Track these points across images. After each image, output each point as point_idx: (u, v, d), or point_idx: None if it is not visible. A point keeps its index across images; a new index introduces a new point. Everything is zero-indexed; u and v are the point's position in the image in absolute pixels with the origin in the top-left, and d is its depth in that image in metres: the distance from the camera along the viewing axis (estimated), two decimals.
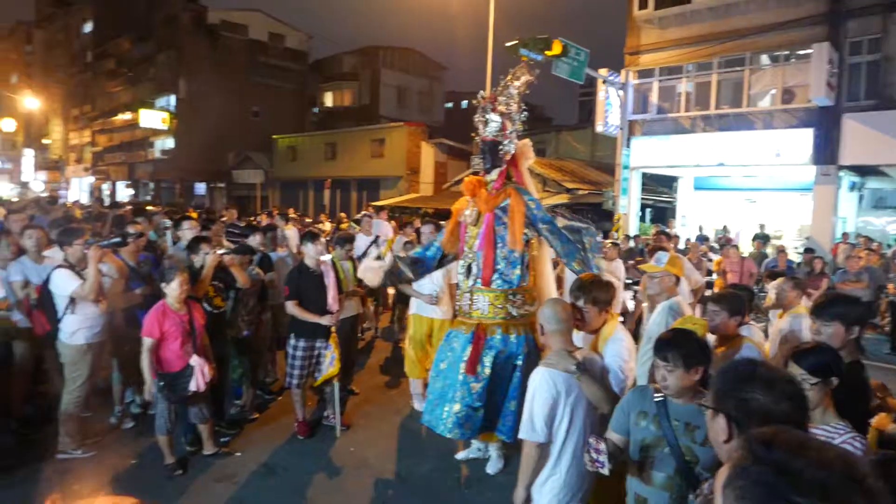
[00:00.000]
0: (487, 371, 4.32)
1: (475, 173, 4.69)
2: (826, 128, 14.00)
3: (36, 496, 4.16)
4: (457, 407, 4.32)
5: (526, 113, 4.64)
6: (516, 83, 4.57)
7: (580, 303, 3.12)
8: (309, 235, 5.48)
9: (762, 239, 13.04)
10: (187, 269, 5.04)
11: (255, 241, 6.25)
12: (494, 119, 4.49)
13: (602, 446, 2.33)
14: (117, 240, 5.12)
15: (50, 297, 4.68)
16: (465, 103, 40.53)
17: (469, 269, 4.56)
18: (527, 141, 4.75)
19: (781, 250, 10.77)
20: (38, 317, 4.80)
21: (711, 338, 3.38)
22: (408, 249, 8.03)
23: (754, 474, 0.97)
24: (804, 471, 0.94)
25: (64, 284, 4.60)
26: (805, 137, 14.24)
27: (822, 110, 13.94)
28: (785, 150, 14.51)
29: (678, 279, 4.07)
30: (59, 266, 4.72)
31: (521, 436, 2.82)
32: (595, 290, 3.14)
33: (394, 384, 6.82)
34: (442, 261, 4.95)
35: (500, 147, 4.52)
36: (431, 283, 5.80)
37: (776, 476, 0.95)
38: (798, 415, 1.56)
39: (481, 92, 4.64)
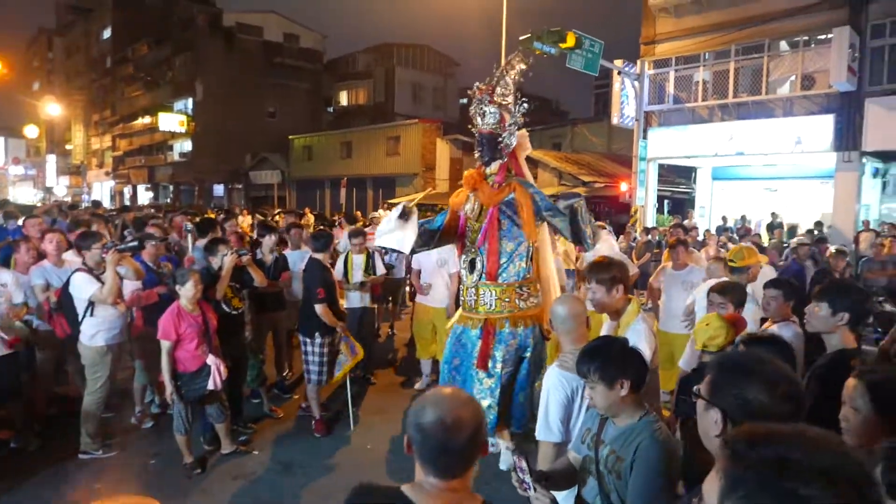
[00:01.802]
0: (499, 366, 4.34)
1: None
2: (848, 113, 13.70)
3: (59, 496, 4.24)
4: (484, 404, 4.35)
5: (526, 105, 4.55)
6: (512, 73, 4.52)
7: (591, 283, 3.11)
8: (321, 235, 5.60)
9: (778, 228, 12.84)
10: (205, 270, 5.10)
11: (269, 241, 6.26)
12: (492, 111, 4.43)
13: (524, 464, 2.09)
14: (134, 244, 5.17)
15: (70, 301, 4.75)
16: None
17: (473, 264, 4.51)
18: (524, 132, 4.68)
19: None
20: (59, 320, 4.89)
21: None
22: None
23: (753, 480, 0.88)
24: (803, 460, 0.87)
25: (83, 288, 4.67)
26: (826, 124, 13.95)
27: (843, 96, 13.64)
28: (806, 137, 14.23)
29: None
30: (78, 269, 4.79)
31: (538, 437, 2.79)
32: (598, 271, 3.07)
33: (409, 382, 6.82)
34: (438, 241, 4.78)
35: (500, 140, 4.47)
36: (434, 264, 6.38)
37: (777, 474, 0.87)
38: (798, 418, 1.47)
39: (477, 83, 4.54)
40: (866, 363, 2.41)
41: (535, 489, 2.06)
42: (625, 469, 2.04)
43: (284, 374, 6.58)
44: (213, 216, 13.97)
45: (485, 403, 4.32)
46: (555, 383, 2.74)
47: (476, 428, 1.50)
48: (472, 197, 4.53)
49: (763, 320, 3.98)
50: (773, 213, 15.74)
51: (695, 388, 1.61)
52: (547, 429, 2.72)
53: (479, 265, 4.46)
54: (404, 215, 4.34)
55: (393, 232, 4.41)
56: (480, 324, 4.42)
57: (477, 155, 4.62)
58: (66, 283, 4.79)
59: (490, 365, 4.32)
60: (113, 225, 8.65)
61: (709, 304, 3.52)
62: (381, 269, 6.74)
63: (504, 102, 4.47)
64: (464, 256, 4.61)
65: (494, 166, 4.51)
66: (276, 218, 12.54)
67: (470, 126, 4.65)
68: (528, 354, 4.41)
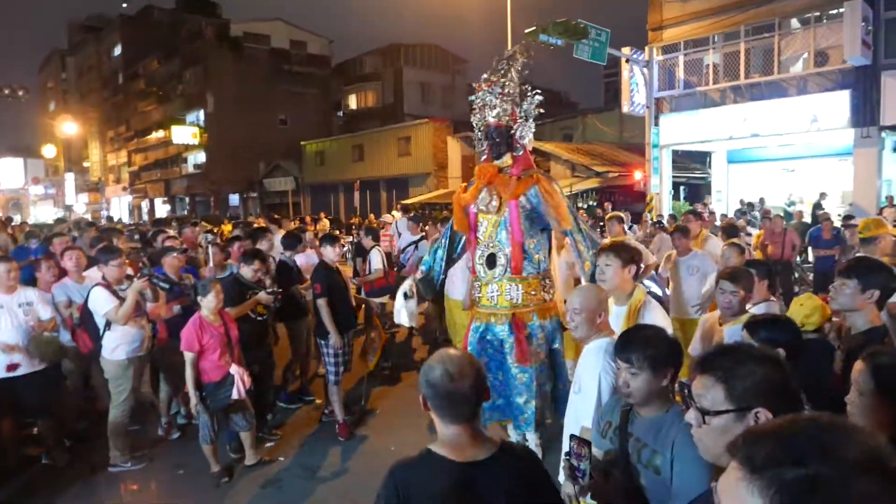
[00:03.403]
0: (532, 360, 4.31)
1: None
2: (864, 88, 13.43)
3: None
4: (521, 399, 4.33)
5: (539, 97, 4.50)
6: (516, 65, 4.48)
7: (601, 260, 3.20)
8: (328, 238, 5.67)
9: (820, 209, 12.77)
10: (232, 277, 5.22)
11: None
12: (502, 103, 4.41)
13: (585, 450, 2.00)
14: (167, 286, 5.22)
15: (91, 316, 4.82)
16: None
17: (492, 259, 4.45)
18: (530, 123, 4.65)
19: (826, 219, 10.38)
20: (81, 335, 4.96)
21: None
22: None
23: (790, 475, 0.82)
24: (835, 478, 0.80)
25: (99, 304, 4.74)
26: (842, 100, 13.69)
27: (858, 70, 13.37)
28: (822, 114, 13.98)
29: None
30: (97, 284, 4.85)
31: (589, 426, 2.67)
32: (617, 247, 3.25)
33: None
34: (451, 261, 4.97)
35: (512, 132, 4.45)
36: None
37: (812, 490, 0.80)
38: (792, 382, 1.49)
39: (484, 76, 4.52)
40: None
41: (591, 477, 1.99)
42: (663, 464, 1.96)
43: (299, 377, 6.58)
44: (229, 226, 14.10)
45: (521, 399, 4.29)
46: (606, 369, 2.66)
47: (476, 376, 1.75)
48: (488, 191, 4.46)
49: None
50: (821, 193, 15.24)
51: (700, 407, 1.47)
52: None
53: (502, 259, 4.40)
54: (408, 297, 4.77)
55: (402, 309, 4.83)
56: (507, 319, 4.36)
57: (483, 148, 4.60)
58: (87, 299, 4.87)
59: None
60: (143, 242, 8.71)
61: (720, 293, 3.36)
62: (374, 267, 7.00)
63: (511, 94, 4.44)
64: (480, 251, 4.52)
65: (506, 159, 4.48)
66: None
67: (475, 119, 4.61)
68: (557, 345, 4.44)
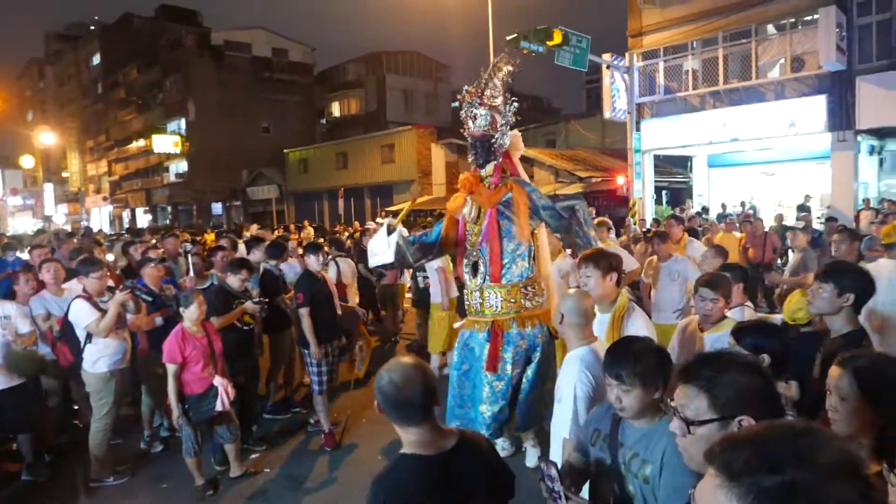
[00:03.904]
0: (509, 368, 4.31)
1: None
2: (839, 93, 13.69)
3: None
4: (484, 407, 4.33)
5: (516, 104, 4.53)
6: (499, 75, 4.51)
7: (586, 269, 3.22)
8: (312, 247, 5.64)
9: (807, 211, 13.05)
10: (220, 288, 5.17)
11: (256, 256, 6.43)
12: (483, 113, 4.43)
13: (553, 472, 1.98)
14: (149, 297, 5.17)
15: (71, 329, 4.74)
16: None
17: (475, 267, 4.49)
18: (516, 132, 4.68)
19: (806, 222, 10.54)
20: (62, 348, 4.88)
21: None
22: None
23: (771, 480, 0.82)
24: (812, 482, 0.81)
25: (80, 316, 4.66)
26: (818, 104, 13.94)
27: (834, 75, 13.63)
28: (799, 119, 14.21)
29: None
30: (78, 297, 4.78)
31: (567, 436, 2.68)
32: (594, 257, 3.26)
33: None
34: (439, 251, 4.93)
35: (493, 141, 4.46)
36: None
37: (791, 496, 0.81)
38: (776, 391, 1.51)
39: (466, 87, 4.54)
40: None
41: (566, 498, 1.97)
42: (653, 474, 1.96)
43: (283, 387, 6.52)
44: (211, 236, 13.97)
45: (496, 407, 4.31)
46: (581, 379, 2.65)
47: (423, 384, 1.85)
48: (470, 200, 4.50)
49: None
50: (806, 196, 15.44)
51: (683, 417, 1.48)
52: (578, 427, 2.59)
53: (482, 267, 4.44)
54: (391, 233, 4.53)
55: (385, 252, 4.61)
56: (487, 326, 4.39)
57: (471, 158, 4.62)
58: (68, 311, 4.79)
59: (500, 367, 4.30)
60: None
61: (699, 300, 3.29)
62: (329, 275, 6.94)
63: (494, 104, 4.45)
64: (466, 260, 4.59)
65: (489, 168, 4.50)
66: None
67: (462, 130, 4.65)
68: (536, 354, 4.39)
